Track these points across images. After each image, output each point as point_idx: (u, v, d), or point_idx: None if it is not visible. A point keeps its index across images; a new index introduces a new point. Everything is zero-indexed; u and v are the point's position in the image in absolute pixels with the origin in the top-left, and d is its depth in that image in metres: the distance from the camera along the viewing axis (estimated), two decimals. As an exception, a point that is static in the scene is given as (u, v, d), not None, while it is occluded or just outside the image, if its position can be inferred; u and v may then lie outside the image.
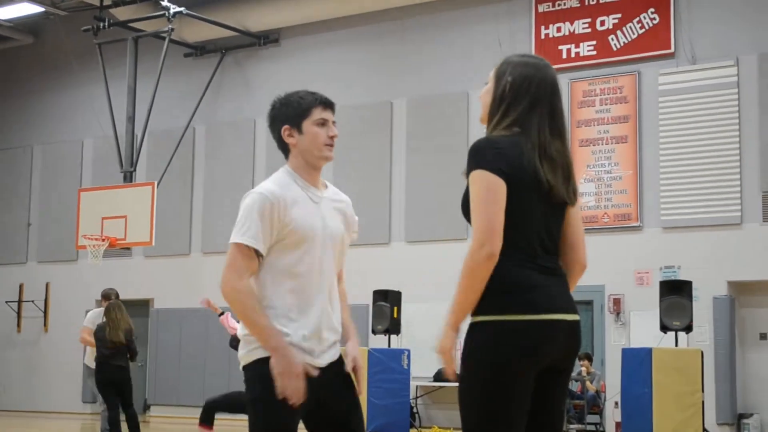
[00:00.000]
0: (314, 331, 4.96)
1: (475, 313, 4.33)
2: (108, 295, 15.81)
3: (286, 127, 5.10)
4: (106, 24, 24.57)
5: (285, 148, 5.24)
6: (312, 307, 4.95)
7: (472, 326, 4.34)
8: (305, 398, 4.79)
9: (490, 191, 4.28)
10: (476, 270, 4.28)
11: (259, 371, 4.82)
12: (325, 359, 4.99)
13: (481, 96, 4.73)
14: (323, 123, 5.11)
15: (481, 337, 4.30)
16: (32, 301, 28.16)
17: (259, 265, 4.95)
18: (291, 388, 4.70)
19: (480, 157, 4.35)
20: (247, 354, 4.93)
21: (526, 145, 4.40)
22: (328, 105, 5.18)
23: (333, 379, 4.98)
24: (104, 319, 15.00)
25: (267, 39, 25.23)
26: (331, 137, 5.12)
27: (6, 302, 28.42)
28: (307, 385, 4.79)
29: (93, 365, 15.42)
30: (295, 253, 4.92)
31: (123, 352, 14.85)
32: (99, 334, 14.83)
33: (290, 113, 5.09)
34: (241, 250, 4.88)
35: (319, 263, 4.98)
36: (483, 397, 4.28)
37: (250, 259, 4.87)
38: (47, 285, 27.99)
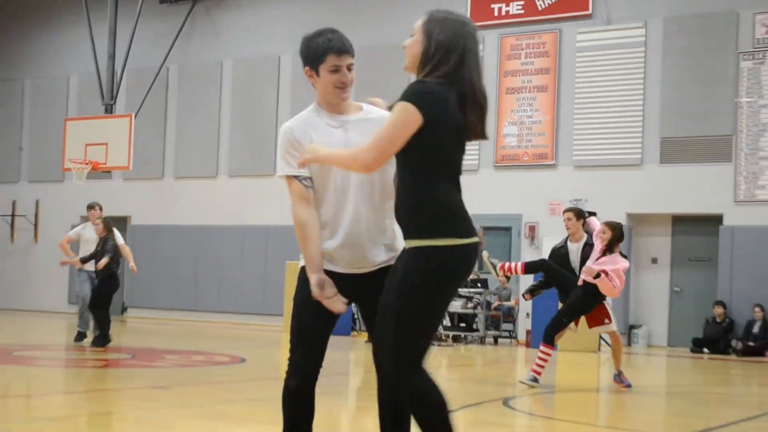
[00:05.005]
0: (336, 248, 4.77)
1: (420, 237, 4.31)
2: (92, 206, 15.56)
3: (306, 68, 4.82)
4: (91, -29, 24.44)
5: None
6: (338, 225, 4.76)
7: (420, 249, 4.31)
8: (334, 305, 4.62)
9: (404, 122, 4.26)
10: (355, 164, 4.41)
11: (300, 276, 4.76)
12: (352, 269, 4.77)
13: (407, 46, 4.51)
14: (336, 69, 4.75)
15: (429, 260, 4.29)
16: (24, 216, 28.20)
17: (312, 188, 4.76)
18: (320, 299, 4.57)
19: (412, 94, 4.28)
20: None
21: (452, 94, 4.32)
22: (342, 51, 4.76)
23: (364, 286, 4.74)
24: (101, 237, 15.07)
25: (234, -11, 25.23)
26: (343, 82, 4.77)
27: (0, 216, 28.54)
28: (342, 289, 4.65)
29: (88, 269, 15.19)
30: (316, 176, 4.73)
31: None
32: (111, 249, 14.74)
33: (309, 56, 4.79)
34: (286, 181, 4.76)
35: (341, 182, 4.74)
36: (422, 306, 4.30)
37: (294, 185, 4.71)
38: (37, 202, 28.03)
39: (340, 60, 4.73)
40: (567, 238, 11.51)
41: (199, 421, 7.57)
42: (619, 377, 11.10)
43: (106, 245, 14.80)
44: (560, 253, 11.51)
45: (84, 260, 15.02)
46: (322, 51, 4.74)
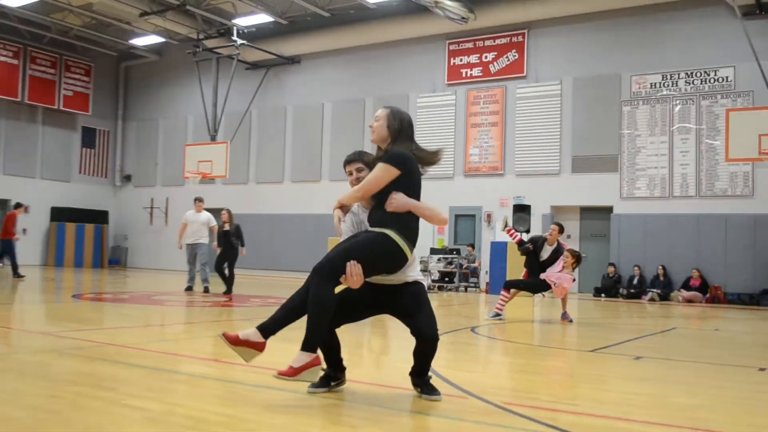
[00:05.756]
0: None
1: (390, 228, 4.36)
2: (199, 198, 15.46)
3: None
4: (201, 49, 24.39)
5: None
6: None
7: (387, 234, 4.36)
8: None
9: (382, 178, 4.33)
10: (350, 199, 4.50)
11: None
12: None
13: (375, 128, 4.54)
14: (349, 173, 4.73)
15: (390, 241, 4.34)
16: (159, 208, 28.23)
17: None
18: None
19: (394, 159, 4.36)
20: None
21: (415, 153, 4.45)
22: (347, 162, 4.77)
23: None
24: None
25: (293, 60, 25.07)
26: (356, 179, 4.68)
27: (143, 208, 28.51)
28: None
29: (195, 241, 14.93)
30: None
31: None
32: (237, 232, 14.56)
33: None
34: None
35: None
36: (372, 258, 4.32)
37: None
38: (167, 199, 28.03)
39: (348, 167, 4.73)
40: (545, 239, 11.28)
41: (274, 342, 7.45)
42: (565, 315, 11.00)
43: (239, 230, 14.61)
44: (539, 242, 11.26)
45: (218, 245, 14.72)
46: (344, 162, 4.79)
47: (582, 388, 5.43)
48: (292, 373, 4.22)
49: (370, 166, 4.59)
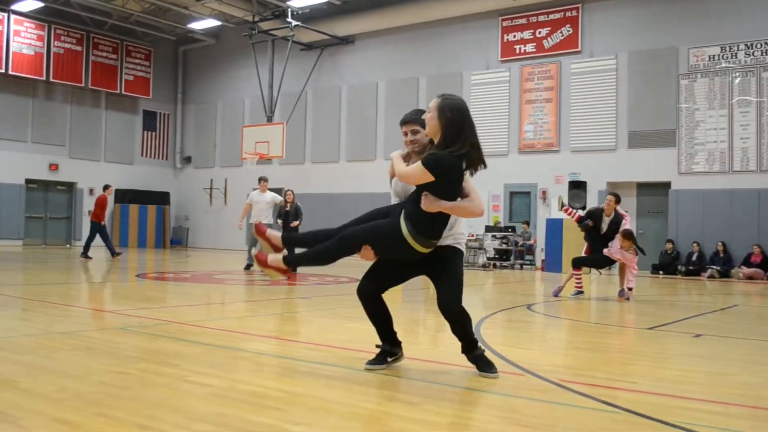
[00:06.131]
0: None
1: (407, 221, 4.35)
2: (264, 178, 15.47)
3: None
4: (256, 32, 24.56)
5: None
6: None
7: (400, 227, 4.37)
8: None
9: (418, 178, 4.27)
10: (394, 171, 4.47)
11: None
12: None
13: (427, 120, 4.42)
14: (405, 134, 4.70)
15: (400, 234, 4.35)
16: (218, 188, 28.63)
17: None
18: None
19: (431, 165, 4.25)
20: None
21: (459, 161, 4.30)
22: (403, 122, 4.72)
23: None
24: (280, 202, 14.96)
25: (347, 41, 25.09)
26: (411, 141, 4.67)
27: (203, 189, 28.95)
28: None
29: (268, 221, 14.93)
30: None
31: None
32: (299, 211, 14.74)
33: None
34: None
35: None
36: (384, 246, 4.43)
37: None
38: (226, 180, 28.40)
39: (404, 128, 4.68)
40: (602, 209, 11.11)
41: (330, 319, 7.55)
42: (622, 293, 10.82)
43: (298, 210, 14.76)
44: (596, 213, 11.07)
45: (277, 217, 14.89)
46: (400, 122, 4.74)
47: (640, 366, 5.34)
48: (263, 262, 4.68)
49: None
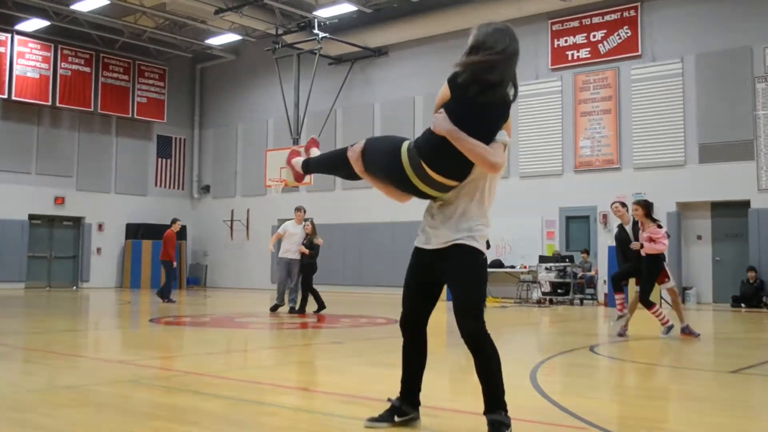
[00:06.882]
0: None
1: (412, 145, 4.18)
2: (299, 208, 15.40)
3: None
4: (280, 45, 24.82)
5: None
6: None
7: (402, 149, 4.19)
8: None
9: (438, 98, 4.15)
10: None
11: (412, 255, 4.56)
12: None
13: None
14: None
15: (398, 154, 4.22)
16: (239, 220, 28.81)
17: None
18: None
19: (450, 76, 4.12)
20: None
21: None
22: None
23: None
24: (307, 233, 15.00)
25: (380, 52, 25.23)
26: None
27: (223, 221, 29.15)
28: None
29: (293, 257, 15.02)
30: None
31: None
32: (314, 245, 14.84)
33: None
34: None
35: None
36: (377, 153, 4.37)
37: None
38: (248, 210, 28.56)
39: None
40: (621, 225, 11.24)
41: (366, 367, 7.47)
42: (687, 329, 10.48)
43: (312, 243, 14.91)
44: (622, 235, 11.24)
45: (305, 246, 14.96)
46: None
47: (723, 417, 5.17)
48: (288, 160, 5.09)
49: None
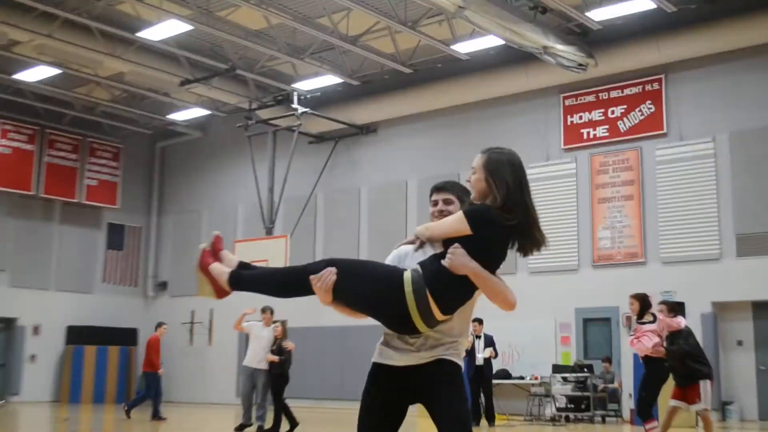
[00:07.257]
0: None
1: (417, 275, 4.17)
2: (266, 309, 15.66)
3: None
4: (253, 121, 24.89)
5: None
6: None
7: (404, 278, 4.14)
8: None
9: (450, 230, 4.22)
10: (419, 234, 4.42)
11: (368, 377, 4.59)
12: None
13: (472, 183, 4.41)
14: (434, 203, 4.62)
15: (400, 284, 4.17)
16: (200, 323, 28.34)
17: None
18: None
19: (471, 215, 4.24)
20: None
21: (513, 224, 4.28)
22: (435, 189, 4.73)
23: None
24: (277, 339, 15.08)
25: (368, 129, 25.33)
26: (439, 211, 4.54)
27: (182, 323, 28.61)
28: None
29: (258, 366, 15.20)
30: None
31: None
32: (285, 352, 15.08)
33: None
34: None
35: None
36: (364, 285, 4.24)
37: None
38: (211, 311, 28.07)
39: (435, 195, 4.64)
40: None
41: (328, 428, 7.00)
42: None
43: (281, 348, 14.91)
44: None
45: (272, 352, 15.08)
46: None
47: None
48: (204, 266, 4.73)
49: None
